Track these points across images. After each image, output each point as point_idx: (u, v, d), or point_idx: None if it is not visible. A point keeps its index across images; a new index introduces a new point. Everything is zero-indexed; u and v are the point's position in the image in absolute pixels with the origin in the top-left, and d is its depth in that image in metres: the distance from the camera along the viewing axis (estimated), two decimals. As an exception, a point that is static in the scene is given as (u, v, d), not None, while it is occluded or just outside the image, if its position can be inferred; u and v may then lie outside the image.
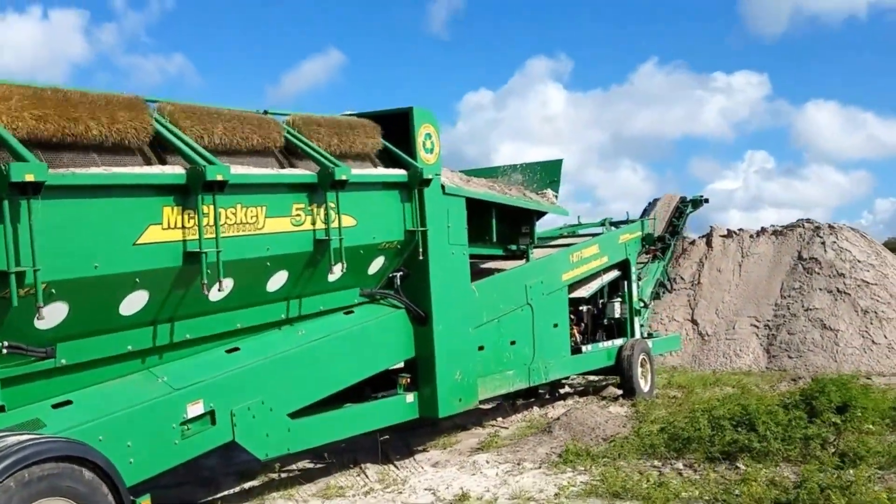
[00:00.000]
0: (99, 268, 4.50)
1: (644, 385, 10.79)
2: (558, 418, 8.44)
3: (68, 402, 4.63)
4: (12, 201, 4.03)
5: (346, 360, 6.46)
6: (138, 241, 4.73)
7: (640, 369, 10.77)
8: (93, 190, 4.45)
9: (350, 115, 7.11)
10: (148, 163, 5.00)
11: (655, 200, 14.50)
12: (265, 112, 6.12)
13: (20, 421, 4.34)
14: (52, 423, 4.44)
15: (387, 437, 7.85)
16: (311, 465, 7.26)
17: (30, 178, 3.97)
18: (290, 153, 6.17)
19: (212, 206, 5.05)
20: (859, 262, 16.41)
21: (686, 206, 13.60)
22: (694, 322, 17.09)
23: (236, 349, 5.71)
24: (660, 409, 9.51)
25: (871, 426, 7.34)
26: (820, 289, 16.16)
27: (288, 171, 5.88)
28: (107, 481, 4.00)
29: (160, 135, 5.03)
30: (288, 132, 6.07)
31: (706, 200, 13.98)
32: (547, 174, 10.16)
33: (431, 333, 7.12)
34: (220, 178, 4.97)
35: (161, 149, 5.14)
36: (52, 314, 4.38)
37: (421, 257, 6.96)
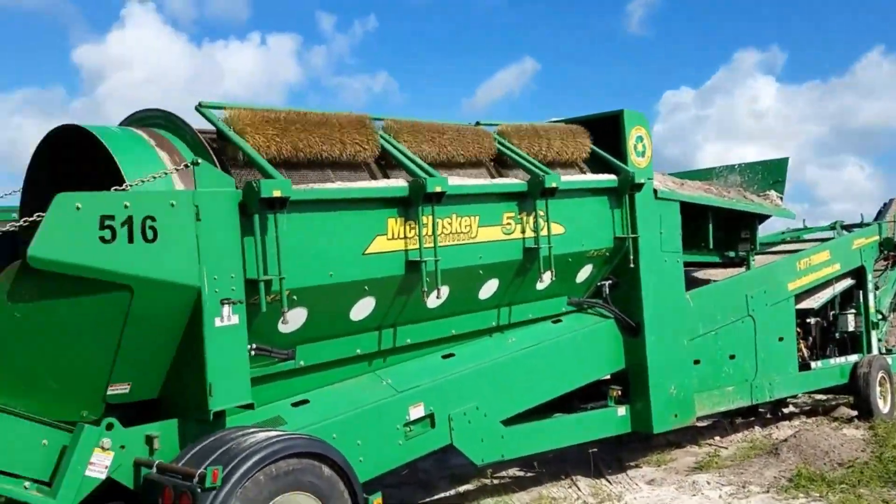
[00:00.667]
0: (333, 276, 4.93)
1: (883, 406, 9.81)
2: (786, 440, 7.89)
3: (305, 402, 5.11)
4: (261, 215, 4.53)
5: (555, 370, 6.52)
6: (367, 251, 5.12)
7: (878, 388, 9.81)
8: (330, 204, 4.88)
9: (557, 121, 7.19)
10: (374, 177, 5.41)
11: (892, 200, 13.18)
12: (477, 124, 6.36)
13: (265, 418, 4.85)
14: (291, 420, 4.92)
15: (595, 449, 7.80)
16: (521, 474, 7.39)
17: (277, 193, 4.44)
18: (500, 163, 6.36)
19: (430, 217, 5.35)
20: None
21: None
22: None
23: (451, 355, 5.98)
24: (903, 433, 8.59)
25: None
26: None
27: (499, 180, 6.07)
28: (343, 478, 4.34)
29: (385, 150, 5.42)
30: (499, 142, 6.26)
31: None
32: (770, 174, 9.57)
33: (643, 345, 6.99)
34: (438, 189, 5.25)
35: (384, 164, 5.53)
36: (294, 319, 4.87)
37: (632, 265, 6.86)
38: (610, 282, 7.07)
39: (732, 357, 8.08)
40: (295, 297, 4.74)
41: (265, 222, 4.54)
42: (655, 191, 7.18)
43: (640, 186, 6.87)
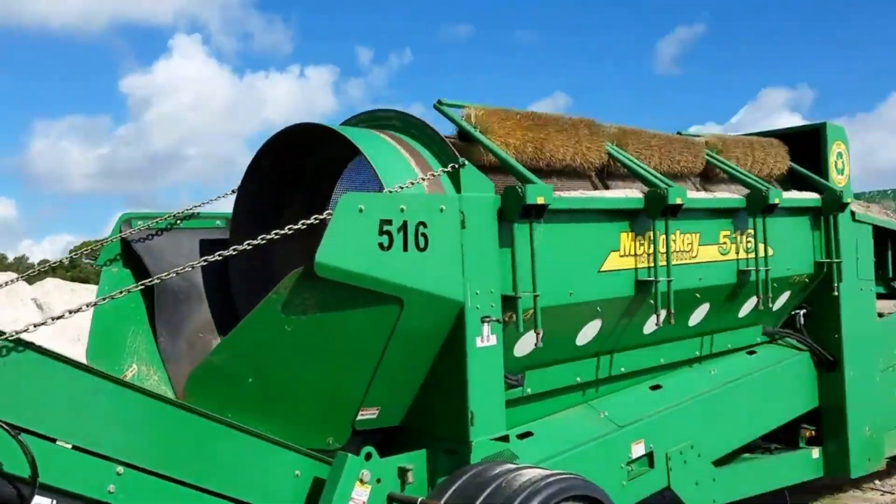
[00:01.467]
0: (573, 295, 4.53)
1: None
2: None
3: (529, 434, 4.68)
4: (520, 224, 4.14)
5: (758, 406, 6.05)
6: (602, 269, 4.72)
7: None
8: (579, 214, 4.49)
9: (748, 135, 6.78)
10: (595, 187, 5.02)
11: None
12: (678, 133, 5.98)
13: (494, 451, 4.42)
14: (521, 454, 4.48)
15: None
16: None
17: (540, 200, 4.06)
18: (703, 177, 5.96)
19: (663, 233, 4.95)
20: None
21: None
22: None
23: (659, 387, 5.54)
24: None
25: None
26: None
27: (720, 194, 5.67)
28: (608, 524, 3.92)
29: (612, 158, 5.03)
30: (708, 154, 5.86)
31: None
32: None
33: (842, 380, 6.51)
34: (679, 201, 4.85)
35: (605, 174, 5.15)
36: (528, 341, 4.45)
37: (835, 292, 6.40)
38: (804, 311, 6.61)
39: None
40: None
41: (521, 232, 4.15)
42: (853, 212, 6.74)
43: (844, 206, 6.43)
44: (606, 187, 5.10)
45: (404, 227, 3.59)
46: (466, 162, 3.95)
